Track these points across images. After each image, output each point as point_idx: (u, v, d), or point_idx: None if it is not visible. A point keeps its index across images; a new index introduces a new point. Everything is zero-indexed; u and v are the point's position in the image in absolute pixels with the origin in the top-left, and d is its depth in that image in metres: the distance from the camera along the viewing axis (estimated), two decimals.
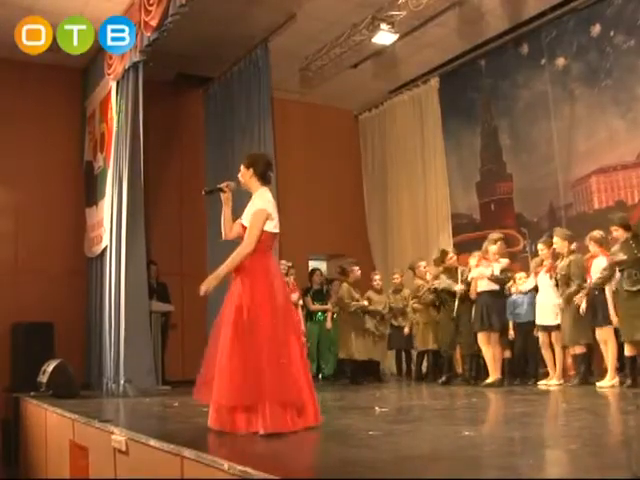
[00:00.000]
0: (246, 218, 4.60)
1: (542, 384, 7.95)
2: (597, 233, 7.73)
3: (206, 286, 4.51)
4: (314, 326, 10.48)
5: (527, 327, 8.31)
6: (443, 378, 9.01)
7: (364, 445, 3.88)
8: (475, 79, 11.68)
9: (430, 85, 12.36)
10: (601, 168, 9.66)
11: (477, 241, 9.94)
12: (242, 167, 4.77)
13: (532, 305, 8.24)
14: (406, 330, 10.26)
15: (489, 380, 8.35)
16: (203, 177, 11.26)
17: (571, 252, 7.97)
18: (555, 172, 10.23)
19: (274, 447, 3.91)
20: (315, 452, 4.05)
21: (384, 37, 10.26)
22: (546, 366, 8.21)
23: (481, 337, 8.46)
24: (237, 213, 4.78)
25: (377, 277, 10.57)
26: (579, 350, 7.77)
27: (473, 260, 8.78)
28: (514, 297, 8.43)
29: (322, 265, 12.96)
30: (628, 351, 7.17)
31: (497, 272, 8.52)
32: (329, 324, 10.39)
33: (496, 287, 8.51)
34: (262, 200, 4.60)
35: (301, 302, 10.22)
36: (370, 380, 9.93)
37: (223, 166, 10.48)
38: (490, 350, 8.39)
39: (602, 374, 7.62)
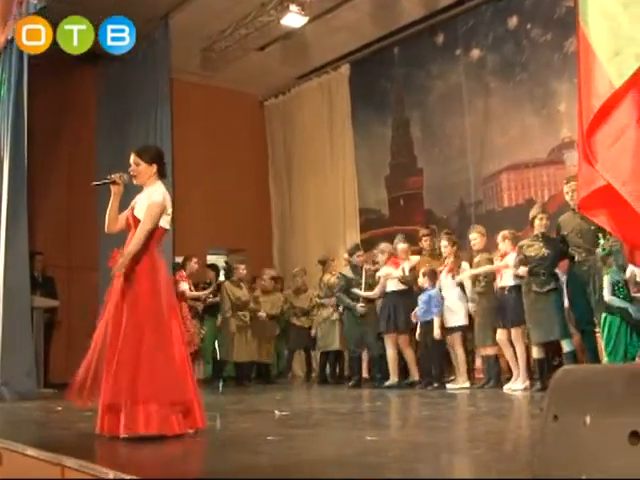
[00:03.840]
0: (140, 211, 4.58)
1: (450, 387, 8.11)
2: (508, 232, 7.90)
3: (119, 269, 4.46)
4: (211, 324, 10.42)
5: (424, 328, 8.32)
6: (352, 381, 9.08)
7: (262, 451, 3.88)
8: (388, 68, 11.83)
9: (340, 72, 12.43)
10: (512, 165, 9.95)
11: (385, 238, 10.07)
12: (140, 160, 4.72)
13: (427, 304, 8.27)
14: (313, 331, 10.34)
15: (388, 382, 8.52)
16: (94, 164, 10.96)
17: (485, 250, 8.17)
18: (467, 168, 10.48)
19: (164, 453, 3.86)
20: (209, 458, 4.02)
21: (293, 19, 10.27)
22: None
23: (387, 339, 8.59)
24: (123, 206, 4.74)
25: (266, 276, 10.66)
26: (489, 352, 7.95)
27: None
28: (420, 295, 8.47)
29: (221, 259, 12.88)
30: (536, 354, 7.37)
31: (407, 271, 8.68)
32: (220, 322, 10.38)
33: (404, 287, 8.66)
34: (159, 194, 4.61)
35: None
36: (259, 382, 10.11)
37: (116, 153, 10.22)
38: (393, 352, 8.54)
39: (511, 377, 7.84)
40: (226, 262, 11.14)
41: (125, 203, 4.77)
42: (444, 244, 8.49)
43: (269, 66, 12.28)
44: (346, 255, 9.97)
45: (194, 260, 10.13)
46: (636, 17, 3.17)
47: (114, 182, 4.72)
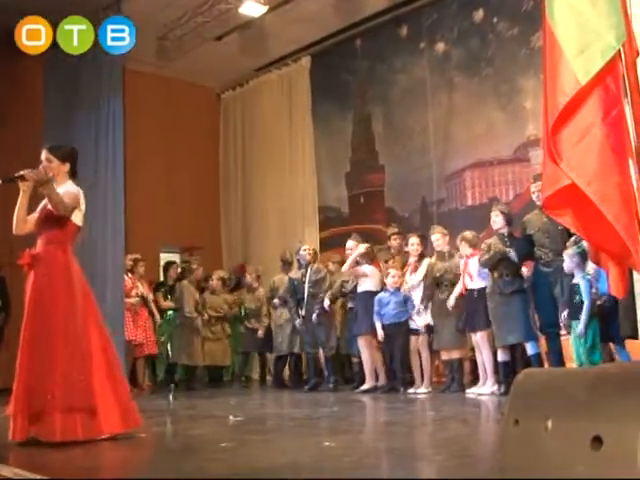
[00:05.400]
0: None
1: (410, 391, 8.13)
2: (469, 233, 7.90)
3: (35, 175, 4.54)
4: (166, 326, 10.37)
5: (394, 329, 8.35)
6: (310, 384, 9.08)
7: (216, 458, 3.87)
8: (350, 60, 11.84)
9: (301, 64, 12.41)
10: (476, 162, 10.02)
11: (345, 237, 10.06)
12: (52, 157, 4.78)
13: (402, 305, 8.35)
14: (260, 333, 10.29)
15: (365, 387, 8.51)
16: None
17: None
18: (430, 165, 10.52)
19: (105, 460, 3.84)
20: (158, 466, 3.98)
21: (252, 8, 10.24)
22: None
23: (362, 340, 8.59)
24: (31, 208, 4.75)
25: (215, 277, 10.68)
26: (454, 355, 7.99)
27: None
28: (380, 295, 8.48)
29: (175, 258, 12.80)
30: (501, 356, 7.39)
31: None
32: (176, 324, 10.34)
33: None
34: (75, 188, 4.73)
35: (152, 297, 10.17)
36: (209, 386, 10.20)
37: (63, 144, 10.10)
38: (368, 354, 8.53)
39: (475, 380, 7.90)
40: (184, 261, 11.07)
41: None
42: (416, 241, 8.42)
43: (226, 57, 12.20)
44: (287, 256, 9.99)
45: (141, 264, 10.11)
46: (603, 13, 3.22)
47: (22, 178, 4.63)
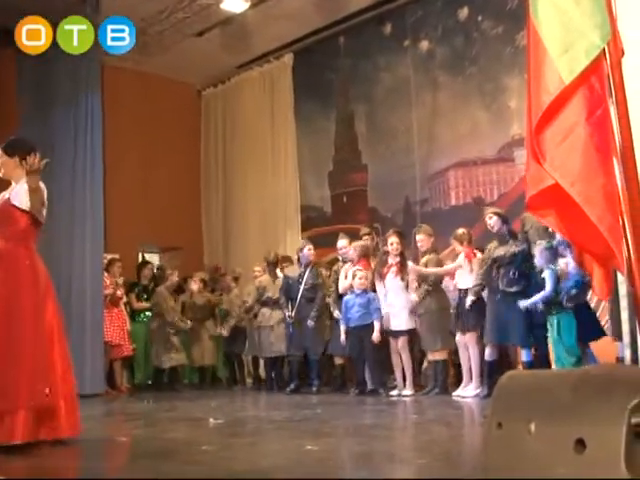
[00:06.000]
0: (19, 198, 4.58)
1: (393, 394, 8.14)
2: (462, 231, 7.87)
3: None
4: (140, 327, 10.33)
5: (360, 332, 8.27)
6: (291, 386, 9.06)
7: (195, 461, 3.86)
8: (333, 58, 11.85)
9: (283, 61, 12.41)
10: (460, 162, 10.06)
11: (327, 237, 10.07)
12: (1, 154, 4.75)
13: (365, 307, 8.30)
14: (224, 333, 10.43)
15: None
16: None
17: (433, 250, 8.23)
18: (413, 164, 10.54)
19: (80, 464, 3.82)
20: (134, 470, 3.97)
21: (234, 3, 10.23)
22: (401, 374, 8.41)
23: None
24: None
25: (196, 278, 10.75)
26: (438, 356, 7.98)
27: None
28: (346, 298, 8.42)
29: (155, 258, 12.77)
30: (489, 356, 7.35)
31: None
32: (154, 327, 10.31)
33: None
34: (36, 184, 4.61)
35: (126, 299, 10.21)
36: (193, 387, 10.34)
37: (40, 142, 9.99)
38: None
39: (459, 383, 7.91)
40: (159, 268, 11.07)
41: None
42: (395, 240, 8.32)
43: (208, 53, 12.16)
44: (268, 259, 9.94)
45: (117, 265, 10.11)
46: (587, 12, 3.23)
47: None
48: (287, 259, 10.08)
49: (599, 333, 6.79)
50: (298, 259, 9.38)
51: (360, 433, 5.33)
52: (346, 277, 8.59)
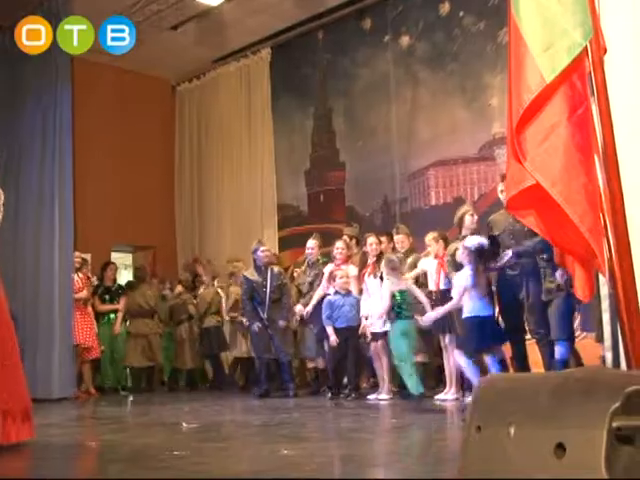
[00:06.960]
0: None
1: (372, 397, 8.15)
2: (438, 232, 7.88)
3: None
4: (106, 330, 10.31)
5: (347, 333, 8.33)
6: (260, 390, 9.04)
7: (167, 467, 3.84)
8: (311, 53, 11.87)
9: (261, 56, 12.41)
10: (440, 161, 10.09)
11: (303, 236, 10.05)
12: None
13: (354, 307, 8.34)
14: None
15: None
16: None
17: (412, 251, 8.25)
18: (392, 163, 10.57)
19: (49, 470, 3.80)
20: (106, 474, 3.96)
21: None
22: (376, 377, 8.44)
23: None
24: None
25: (178, 282, 10.75)
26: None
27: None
28: (331, 298, 8.46)
29: (128, 258, 12.73)
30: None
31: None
32: (117, 328, 10.33)
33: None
34: None
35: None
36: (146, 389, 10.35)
37: (7, 138, 9.94)
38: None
39: (442, 386, 7.92)
40: (138, 267, 11.11)
41: None
42: (374, 241, 8.36)
43: (183, 47, 12.13)
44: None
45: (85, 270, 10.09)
46: (569, 9, 3.25)
47: None
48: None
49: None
50: (254, 260, 9.21)
51: (338, 437, 5.34)
52: (328, 278, 8.62)
